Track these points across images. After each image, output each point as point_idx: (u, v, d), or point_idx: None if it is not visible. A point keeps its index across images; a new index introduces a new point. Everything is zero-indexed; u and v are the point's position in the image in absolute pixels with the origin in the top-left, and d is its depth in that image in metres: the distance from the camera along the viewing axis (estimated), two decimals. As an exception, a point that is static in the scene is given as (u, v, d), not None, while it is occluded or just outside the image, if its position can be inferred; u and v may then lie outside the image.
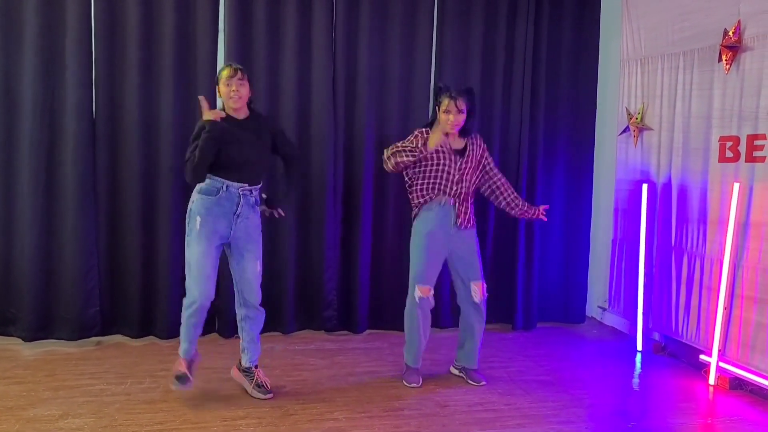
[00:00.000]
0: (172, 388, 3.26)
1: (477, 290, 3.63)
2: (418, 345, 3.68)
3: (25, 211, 4.05)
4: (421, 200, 3.60)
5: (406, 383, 3.64)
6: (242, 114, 3.27)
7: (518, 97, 4.80)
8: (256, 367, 3.42)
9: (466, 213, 3.62)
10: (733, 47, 3.83)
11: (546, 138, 4.92)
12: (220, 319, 4.38)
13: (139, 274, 4.26)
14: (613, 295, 5.00)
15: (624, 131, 4.81)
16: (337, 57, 4.48)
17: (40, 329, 4.14)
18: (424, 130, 3.60)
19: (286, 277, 4.45)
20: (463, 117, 3.55)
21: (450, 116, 3.51)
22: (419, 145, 3.51)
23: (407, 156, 3.50)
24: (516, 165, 4.82)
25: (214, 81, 4.19)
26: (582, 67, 4.96)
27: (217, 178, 3.19)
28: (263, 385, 3.38)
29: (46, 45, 4.03)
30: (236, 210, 3.22)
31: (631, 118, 4.71)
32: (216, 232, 3.21)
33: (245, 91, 3.22)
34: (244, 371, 3.43)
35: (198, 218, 3.19)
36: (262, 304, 3.43)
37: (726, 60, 3.87)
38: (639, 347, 4.52)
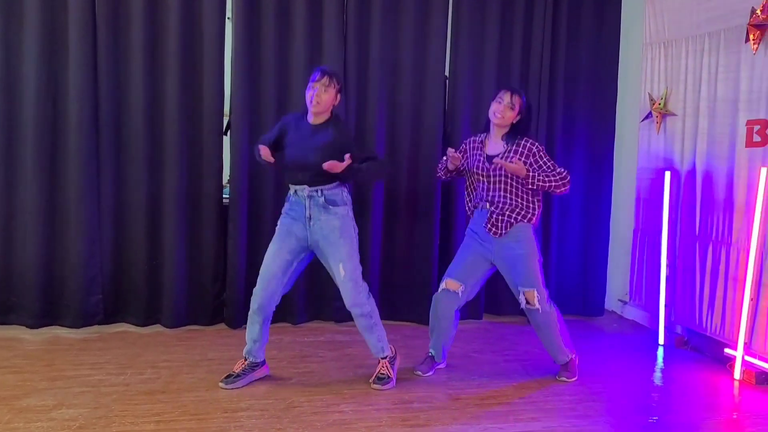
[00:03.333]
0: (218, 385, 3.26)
1: (523, 298, 3.44)
2: (436, 334, 3.58)
3: (27, 197, 3.98)
4: (467, 207, 3.57)
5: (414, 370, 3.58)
6: (319, 118, 3.22)
7: (536, 83, 4.63)
8: (383, 358, 3.39)
9: (498, 222, 3.38)
10: (761, 26, 3.65)
11: (564, 125, 4.75)
12: (228, 308, 4.27)
13: (143, 262, 4.15)
14: (634, 287, 4.82)
15: (646, 117, 4.63)
16: (348, 43, 4.34)
17: (44, 316, 4.07)
18: (471, 139, 3.57)
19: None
20: (511, 114, 3.39)
21: (498, 105, 3.39)
22: (449, 160, 3.45)
23: (441, 173, 3.60)
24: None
25: (220, 65, 4.15)
26: (602, 51, 4.77)
27: (288, 182, 3.28)
28: (375, 376, 3.37)
29: (47, 25, 3.93)
30: (305, 213, 3.20)
31: (653, 104, 4.52)
32: (292, 233, 3.23)
33: (327, 97, 3.16)
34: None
35: (280, 220, 3.30)
36: None
37: (753, 40, 3.69)
38: (661, 341, 4.33)
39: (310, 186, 3.18)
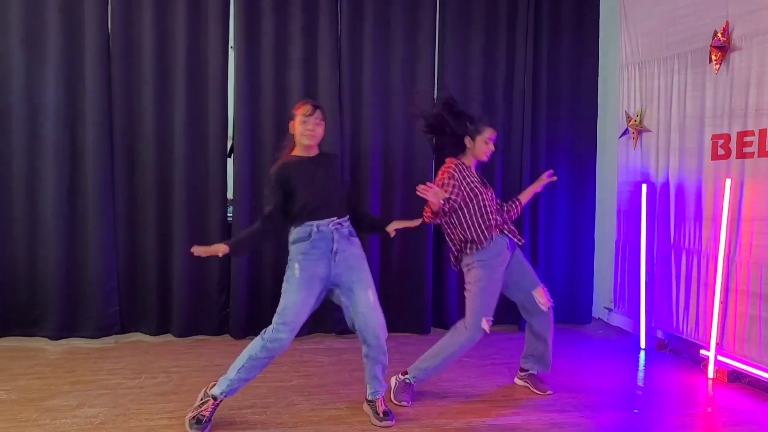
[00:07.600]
0: (187, 429, 3.03)
1: (541, 296, 3.51)
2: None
3: (49, 216, 4.32)
4: (479, 237, 3.37)
5: (396, 401, 3.40)
6: (312, 152, 3.17)
7: (520, 103, 4.94)
8: (379, 398, 3.26)
9: (515, 229, 3.54)
10: (722, 47, 3.94)
11: (548, 143, 5.05)
12: (232, 320, 4.56)
13: (155, 276, 4.49)
14: (617, 295, 5.07)
15: (624, 134, 4.92)
16: (342, 67, 4.67)
17: (64, 328, 4.39)
18: (454, 165, 3.42)
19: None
20: None
21: (491, 146, 3.49)
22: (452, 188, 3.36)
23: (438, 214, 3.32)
24: (519, 170, 4.95)
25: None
26: (582, 72, 5.09)
27: (304, 222, 3.05)
28: (381, 413, 3.18)
29: (66, 60, 4.30)
30: (332, 247, 3.05)
31: (630, 121, 4.81)
32: (316, 276, 3.04)
33: (321, 131, 3.13)
34: (367, 401, 3.27)
35: (296, 266, 3.04)
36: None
37: (716, 60, 3.98)
38: (642, 345, 4.58)
39: (338, 217, 3.09)
